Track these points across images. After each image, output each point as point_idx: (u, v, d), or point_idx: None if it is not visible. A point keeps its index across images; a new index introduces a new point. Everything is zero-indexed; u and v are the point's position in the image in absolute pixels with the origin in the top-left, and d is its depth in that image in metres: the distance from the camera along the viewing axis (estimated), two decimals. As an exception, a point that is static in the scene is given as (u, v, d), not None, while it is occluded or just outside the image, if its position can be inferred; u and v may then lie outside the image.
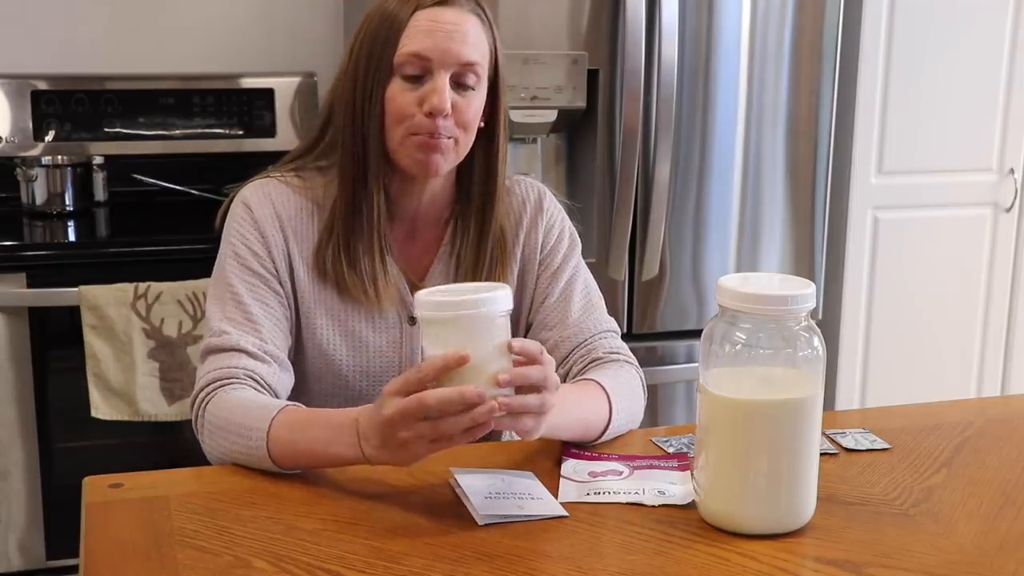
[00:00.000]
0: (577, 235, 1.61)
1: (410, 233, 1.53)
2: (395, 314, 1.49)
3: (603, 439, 1.40)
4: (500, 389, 1.14)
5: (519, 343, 1.16)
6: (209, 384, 1.36)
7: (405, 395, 1.13)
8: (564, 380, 1.50)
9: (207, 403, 1.35)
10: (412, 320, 1.50)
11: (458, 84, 1.42)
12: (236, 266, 1.44)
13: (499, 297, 1.14)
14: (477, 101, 1.44)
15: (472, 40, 1.42)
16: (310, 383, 1.49)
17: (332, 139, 1.49)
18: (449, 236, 1.53)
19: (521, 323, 1.57)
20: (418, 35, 1.40)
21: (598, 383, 1.41)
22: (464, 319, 1.12)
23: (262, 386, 1.38)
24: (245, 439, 1.28)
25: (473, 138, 1.46)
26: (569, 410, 1.32)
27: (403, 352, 1.50)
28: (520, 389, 1.16)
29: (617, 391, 1.42)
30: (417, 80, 1.41)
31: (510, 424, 1.17)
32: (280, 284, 1.46)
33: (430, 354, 1.15)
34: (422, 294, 1.16)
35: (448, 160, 1.44)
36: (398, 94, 1.41)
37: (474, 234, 1.51)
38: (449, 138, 1.42)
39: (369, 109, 1.42)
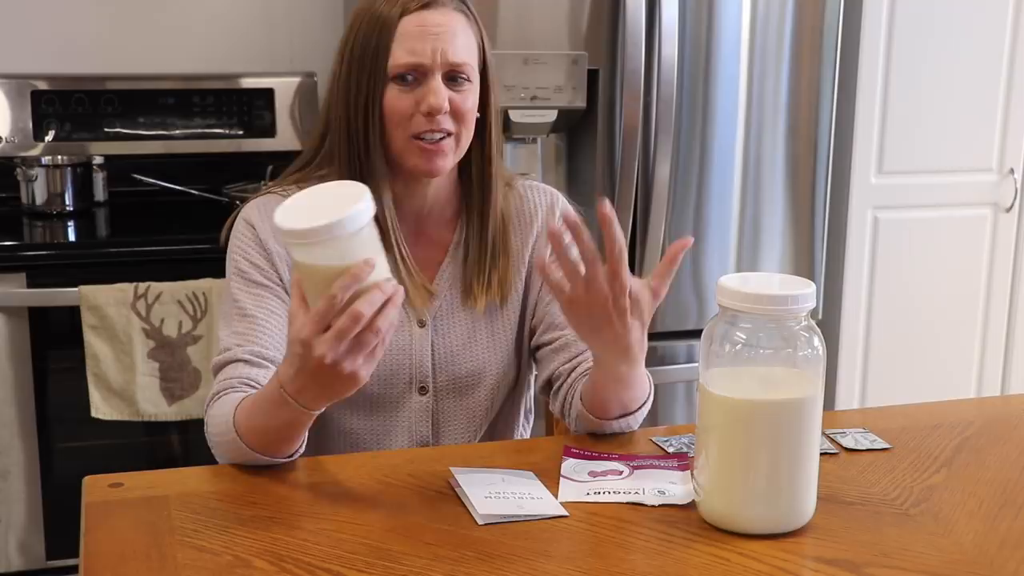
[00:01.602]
0: None
1: (416, 234, 1.53)
2: (404, 315, 1.50)
3: (613, 428, 1.42)
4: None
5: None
6: (211, 398, 1.39)
7: (326, 328, 1.12)
8: (568, 375, 1.50)
9: (208, 416, 1.38)
10: (421, 323, 1.51)
11: (452, 80, 1.44)
12: (240, 281, 1.46)
13: (361, 211, 1.09)
14: (473, 95, 1.47)
15: (461, 39, 1.44)
16: None
17: (331, 147, 1.50)
18: (457, 235, 1.54)
19: (525, 326, 1.57)
20: (408, 40, 1.42)
21: (648, 374, 1.43)
22: (341, 238, 1.08)
23: (259, 390, 1.38)
24: (228, 439, 1.30)
25: (472, 132, 1.48)
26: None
27: (412, 352, 1.50)
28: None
29: (651, 389, 1.45)
30: (412, 83, 1.43)
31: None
32: (286, 292, 1.46)
33: (309, 267, 1.12)
34: (281, 219, 1.10)
35: (450, 160, 1.46)
36: (395, 99, 1.43)
37: (477, 225, 1.53)
38: (450, 136, 1.44)
39: (367, 118, 1.44)
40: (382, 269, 1.14)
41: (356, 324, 1.11)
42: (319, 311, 1.12)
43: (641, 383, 1.40)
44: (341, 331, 1.11)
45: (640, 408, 1.43)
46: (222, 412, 1.33)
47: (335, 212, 1.08)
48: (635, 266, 2.59)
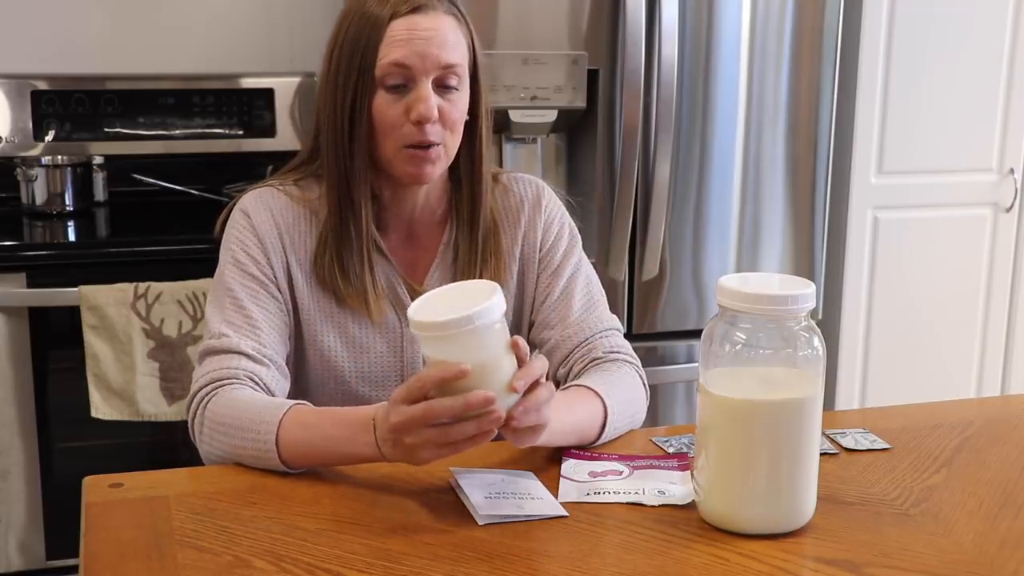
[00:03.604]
0: (577, 230, 1.61)
1: (407, 237, 1.53)
2: (394, 319, 1.49)
3: (602, 441, 1.40)
4: (510, 395, 1.14)
5: (521, 373, 1.16)
6: (210, 383, 1.36)
7: (410, 403, 1.14)
8: (565, 379, 1.50)
9: (207, 402, 1.35)
10: None
11: (442, 87, 1.42)
12: (236, 272, 1.45)
13: (492, 306, 1.13)
14: (462, 102, 1.45)
15: (451, 42, 1.42)
16: (312, 389, 1.50)
17: (322, 150, 1.50)
18: (447, 236, 1.53)
19: (523, 322, 1.57)
20: (397, 45, 1.40)
21: (590, 388, 1.41)
22: (459, 335, 1.12)
23: (261, 388, 1.38)
24: (253, 436, 1.28)
25: (460, 137, 1.47)
26: (561, 417, 1.32)
27: (404, 356, 1.50)
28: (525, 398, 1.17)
29: (611, 393, 1.41)
30: (401, 89, 1.42)
31: (512, 438, 1.21)
32: (279, 290, 1.46)
33: (432, 360, 1.16)
34: (414, 310, 1.15)
35: (439, 167, 1.45)
36: (384, 106, 1.42)
37: (467, 227, 1.52)
38: (439, 145, 1.43)
39: (354, 122, 1.42)
40: (487, 378, 1.13)
41: (426, 417, 1.13)
42: (409, 385, 1.15)
43: (585, 413, 1.37)
44: (414, 417, 1.14)
45: (604, 426, 1.38)
46: (244, 408, 1.31)
47: (461, 309, 1.12)
48: (635, 266, 2.60)
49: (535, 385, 1.18)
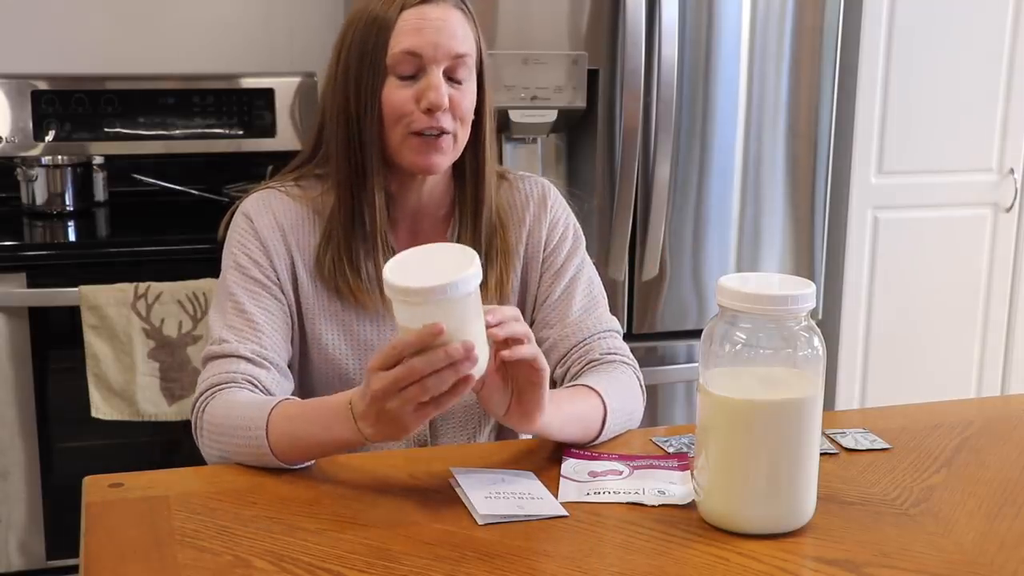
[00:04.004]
0: (581, 231, 1.61)
1: (412, 231, 1.53)
2: None
3: (603, 438, 1.40)
4: (484, 357, 1.16)
5: (498, 315, 1.19)
6: (208, 389, 1.38)
7: (388, 368, 1.14)
8: (562, 380, 1.50)
9: (206, 407, 1.36)
10: None
11: (451, 78, 1.43)
12: (238, 275, 1.45)
13: (469, 277, 1.12)
14: (471, 93, 1.46)
15: (460, 33, 1.43)
16: (317, 390, 1.50)
17: (327, 146, 1.50)
18: (451, 232, 1.54)
19: (524, 318, 1.57)
20: (408, 33, 1.41)
21: (589, 387, 1.41)
22: (433, 303, 1.11)
23: (261, 391, 1.38)
24: (245, 436, 1.29)
25: (469, 130, 1.47)
26: (561, 406, 1.33)
27: None
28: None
29: (611, 392, 1.42)
30: (411, 79, 1.42)
31: (517, 416, 1.23)
32: (283, 292, 1.46)
33: (402, 325, 1.15)
34: (389, 273, 1.14)
35: (447, 157, 1.46)
36: (394, 93, 1.42)
37: (471, 225, 1.52)
38: (448, 134, 1.43)
39: (365, 113, 1.43)
40: (465, 336, 1.14)
41: (409, 375, 1.13)
42: (385, 352, 1.14)
43: (586, 406, 1.38)
44: (397, 378, 1.13)
45: (605, 421, 1.39)
46: (237, 409, 1.32)
47: (441, 276, 1.11)
48: (635, 267, 2.60)
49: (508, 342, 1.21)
